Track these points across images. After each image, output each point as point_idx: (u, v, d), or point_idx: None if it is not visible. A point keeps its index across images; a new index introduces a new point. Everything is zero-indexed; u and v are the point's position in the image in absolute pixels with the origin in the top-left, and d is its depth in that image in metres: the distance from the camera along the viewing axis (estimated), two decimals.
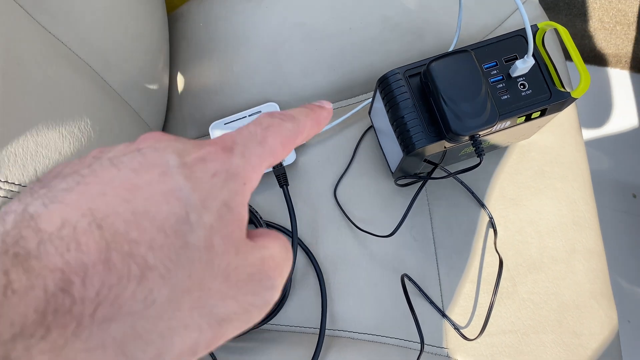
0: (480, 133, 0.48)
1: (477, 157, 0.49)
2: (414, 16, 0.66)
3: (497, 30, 0.68)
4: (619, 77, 1.05)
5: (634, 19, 0.96)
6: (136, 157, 0.19)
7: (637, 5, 0.94)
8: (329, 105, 0.27)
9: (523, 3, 0.68)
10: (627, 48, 1.01)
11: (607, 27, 0.98)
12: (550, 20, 1.00)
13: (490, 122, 0.47)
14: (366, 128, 0.64)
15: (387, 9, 0.66)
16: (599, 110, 1.08)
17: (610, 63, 1.04)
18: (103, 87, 0.53)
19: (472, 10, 0.67)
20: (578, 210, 0.62)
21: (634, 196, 1.09)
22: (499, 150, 0.63)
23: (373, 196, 0.62)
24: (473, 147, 0.49)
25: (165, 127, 0.68)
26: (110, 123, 0.52)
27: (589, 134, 1.08)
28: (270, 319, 0.59)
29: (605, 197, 1.08)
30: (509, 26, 0.68)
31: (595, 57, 1.03)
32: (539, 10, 0.68)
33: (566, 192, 0.62)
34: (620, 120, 1.08)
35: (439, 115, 0.49)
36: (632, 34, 0.98)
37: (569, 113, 0.65)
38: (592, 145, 1.10)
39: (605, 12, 0.96)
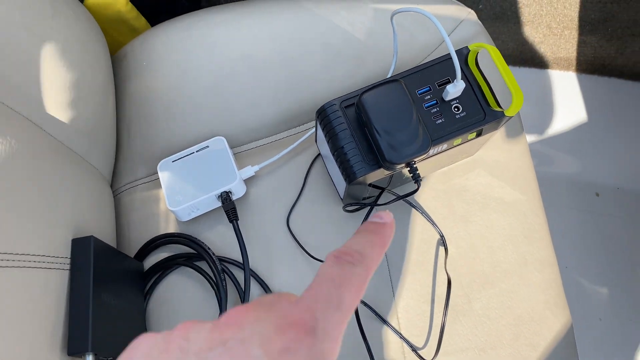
0: (415, 160, 0.49)
1: (415, 182, 0.50)
2: (355, 42, 0.67)
3: (440, 48, 0.69)
4: (572, 80, 1.07)
5: (580, 22, 0.98)
6: (223, 356, 0.19)
7: (583, 10, 0.96)
8: (389, 218, 0.26)
9: (461, 21, 0.69)
10: (577, 51, 1.02)
11: (555, 32, 1.00)
12: (500, 29, 1.02)
13: (423, 148, 0.48)
14: (315, 155, 0.64)
15: (328, 36, 0.67)
16: (557, 114, 1.10)
17: (562, 67, 1.05)
18: (42, 139, 0.53)
19: (412, 31, 0.68)
20: (528, 223, 0.63)
21: (597, 195, 1.10)
22: (446, 170, 0.64)
23: (326, 223, 0.62)
24: (410, 173, 0.50)
25: (115, 168, 0.68)
26: (50, 175, 0.52)
27: (550, 137, 1.10)
28: None
29: (569, 197, 1.10)
30: (452, 41, 0.69)
31: (547, 62, 1.05)
32: (478, 27, 0.69)
33: (515, 206, 0.63)
34: (579, 121, 1.10)
35: (374, 145, 0.49)
36: (580, 37, 1.00)
37: (513, 127, 0.66)
38: (554, 148, 1.12)
39: (552, 18, 0.98)
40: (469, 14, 0.69)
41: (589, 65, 1.04)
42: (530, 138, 1.09)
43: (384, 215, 0.26)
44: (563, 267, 1.06)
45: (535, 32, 1.00)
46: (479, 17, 0.98)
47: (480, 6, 0.97)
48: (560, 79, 1.07)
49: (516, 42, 1.02)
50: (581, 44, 1.01)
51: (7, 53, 0.49)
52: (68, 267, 0.51)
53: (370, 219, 0.26)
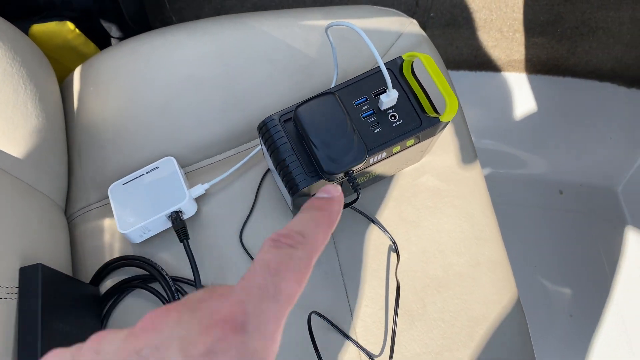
0: (353, 169, 0.50)
1: (355, 192, 0.51)
2: (300, 57, 0.68)
3: (384, 58, 0.70)
4: (528, 81, 1.09)
5: (529, 25, 1.00)
6: None
7: (531, 12, 0.98)
8: (337, 192, 0.24)
9: (403, 32, 0.70)
10: (530, 53, 1.05)
11: (507, 36, 1.02)
12: (453, 35, 1.04)
13: (359, 158, 0.49)
14: (265, 170, 0.65)
15: (273, 52, 0.68)
16: (516, 115, 1.12)
17: (517, 69, 1.08)
18: None
19: (356, 42, 0.69)
20: (478, 224, 0.64)
21: (561, 193, 1.12)
22: (394, 176, 0.65)
23: None
24: (349, 182, 0.50)
25: (68, 194, 0.68)
26: (3, 205, 0.52)
27: (510, 138, 1.12)
28: None
29: (534, 197, 1.11)
30: (395, 52, 0.70)
31: (502, 65, 1.07)
32: (420, 36, 0.71)
33: (464, 208, 0.64)
34: (537, 121, 1.12)
35: (312, 157, 0.50)
36: (531, 39, 1.02)
37: (459, 131, 0.68)
38: (515, 148, 1.13)
39: (503, 22, 1.00)
40: (411, 24, 0.71)
41: (542, 66, 1.07)
42: (490, 140, 1.11)
43: (331, 189, 0.24)
44: (532, 265, 1.07)
45: (487, 36, 1.03)
46: (431, 25, 1.00)
47: (432, 14, 0.99)
48: (516, 81, 1.09)
49: (470, 47, 1.04)
50: (533, 46, 1.03)
51: None
52: (16, 296, 0.51)
53: (317, 194, 0.24)
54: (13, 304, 0.50)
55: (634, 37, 1.00)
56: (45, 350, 0.49)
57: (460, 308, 0.61)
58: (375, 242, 0.63)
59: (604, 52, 1.03)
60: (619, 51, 1.03)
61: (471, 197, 0.65)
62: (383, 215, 0.63)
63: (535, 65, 1.07)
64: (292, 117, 0.53)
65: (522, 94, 1.10)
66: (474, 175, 0.66)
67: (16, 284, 0.52)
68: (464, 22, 1.00)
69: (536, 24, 1.00)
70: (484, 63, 1.07)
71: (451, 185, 0.65)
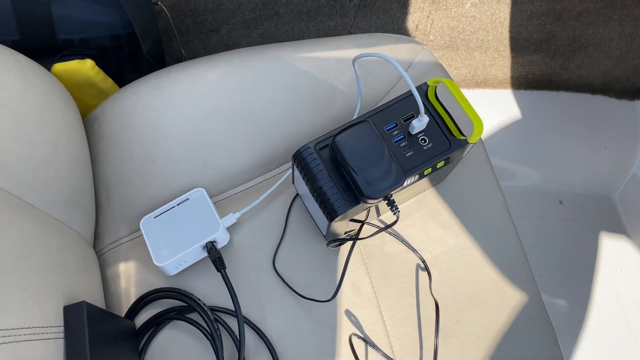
0: (391, 193, 0.52)
1: (394, 214, 0.53)
2: (319, 85, 0.70)
3: (400, 83, 0.73)
4: (524, 97, 1.13)
5: (524, 44, 1.04)
6: None
7: (525, 32, 1.03)
8: None
9: (417, 55, 0.73)
10: (525, 70, 1.09)
11: (503, 55, 1.06)
12: (452, 57, 1.08)
13: (398, 181, 0.51)
14: (293, 196, 0.66)
15: (294, 82, 0.70)
16: (514, 130, 1.16)
17: (513, 85, 1.12)
18: (26, 210, 0.53)
19: (372, 69, 0.71)
20: (501, 239, 0.66)
21: (560, 202, 1.16)
22: (419, 197, 0.67)
23: (311, 261, 0.64)
24: (388, 206, 0.52)
25: (96, 230, 0.68)
26: (37, 245, 0.52)
27: (509, 153, 1.15)
28: None
29: (535, 208, 1.14)
30: (410, 76, 0.73)
31: (499, 82, 1.11)
32: (432, 60, 0.74)
33: (487, 225, 0.67)
34: (535, 135, 1.16)
35: (351, 182, 0.52)
36: (526, 57, 1.07)
37: (477, 151, 0.70)
38: (515, 162, 1.17)
39: (499, 42, 1.04)
40: (423, 49, 0.74)
41: (537, 82, 1.11)
42: (490, 156, 1.14)
43: None
44: (538, 275, 1.10)
45: (484, 56, 1.06)
46: (431, 48, 1.04)
47: (431, 37, 1.02)
48: (512, 97, 1.13)
49: (468, 67, 1.08)
50: (528, 63, 1.08)
51: None
52: (62, 335, 0.52)
53: None
54: (60, 344, 0.51)
55: (622, 52, 1.05)
56: None
57: (491, 321, 0.63)
58: (404, 261, 0.64)
59: (594, 66, 1.08)
60: (609, 65, 1.08)
61: (493, 213, 0.67)
62: (410, 235, 0.65)
63: (531, 82, 1.11)
64: (327, 145, 0.55)
65: (519, 110, 1.14)
66: (493, 192, 0.69)
67: (62, 323, 0.52)
68: (461, 43, 1.04)
69: (530, 42, 1.04)
70: (482, 81, 1.11)
71: (472, 203, 0.67)
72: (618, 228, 1.14)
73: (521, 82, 1.11)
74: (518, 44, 1.05)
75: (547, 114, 1.14)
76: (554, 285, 1.09)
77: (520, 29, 1.02)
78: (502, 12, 0.99)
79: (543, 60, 1.07)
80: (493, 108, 1.14)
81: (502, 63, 1.07)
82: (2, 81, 0.53)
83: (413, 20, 0.98)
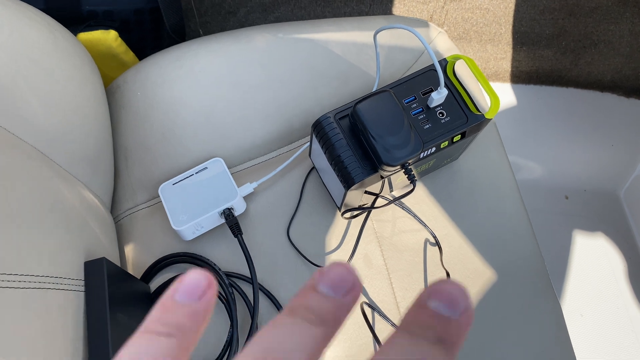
0: (409, 161, 0.53)
1: (410, 183, 0.54)
2: (337, 64, 0.72)
3: (415, 65, 0.74)
4: (534, 91, 1.14)
5: (536, 39, 1.06)
6: None
7: (538, 26, 1.04)
8: (202, 285, 0.19)
9: (434, 38, 0.75)
10: (536, 64, 1.10)
11: (515, 48, 1.08)
12: (464, 48, 1.09)
13: (416, 150, 0.52)
14: (309, 169, 0.68)
15: (312, 60, 0.71)
16: (523, 124, 1.17)
17: (524, 80, 1.13)
18: (50, 167, 0.55)
19: (389, 51, 0.73)
20: (511, 220, 0.68)
21: (566, 197, 1.17)
22: (432, 175, 0.68)
23: (324, 232, 0.65)
24: (405, 174, 0.54)
25: (114, 195, 0.69)
26: (60, 201, 0.53)
27: (518, 146, 1.17)
28: None
29: (541, 202, 1.16)
30: (425, 60, 0.74)
31: (509, 76, 1.13)
32: (449, 43, 0.75)
33: (498, 206, 0.68)
34: (543, 130, 1.17)
35: (370, 150, 0.53)
36: (537, 52, 1.08)
37: (490, 134, 0.72)
38: (523, 156, 1.18)
39: (511, 35, 1.05)
40: (440, 33, 0.75)
41: (547, 77, 1.12)
42: None
43: (197, 280, 0.19)
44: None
45: (496, 49, 1.08)
46: None
47: (445, 28, 1.04)
48: (522, 91, 1.14)
49: (480, 59, 1.10)
50: (539, 58, 1.09)
51: (16, 85, 0.51)
52: (82, 289, 0.53)
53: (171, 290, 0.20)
54: (80, 297, 0.52)
55: (632, 50, 1.06)
56: (113, 339, 0.51)
57: (499, 299, 0.64)
58: (416, 237, 0.66)
59: (604, 63, 1.09)
60: (619, 63, 1.09)
61: (504, 195, 0.69)
62: (422, 212, 0.66)
63: (541, 77, 1.12)
64: (347, 115, 0.56)
65: (528, 104, 1.15)
66: (505, 175, 0.70)
67: (82, 277, 0.53)
68: (474, 35, 1.05)
69: (542, 37, 1.05)
70: (493, 74, 1.12)
71: (484, 184, 0.69)
72: (623, 224, 1.15)
73: (531, 77, 1.13)
74: (530, 39, 1.06)
75: (555, 110, 1.15)
76: (557, 277, 1.10)
77: (532, 23, 1.03)
78: (515, 6, 1.00)
79: (554, 56, 1.08)
80: (503, 101, 1.15)
81: (513, 57, 1.09)
82: (34, 40, 0.54)
83: (428, 10, 0.99)
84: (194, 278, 0.19)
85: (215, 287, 0.20)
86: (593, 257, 1.12)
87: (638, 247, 1.13)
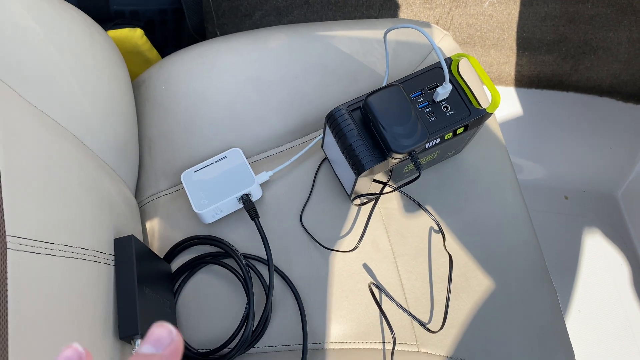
0: (416, 149, 0.58)
1: (417, 170, 0.58)
2: (347, 63, 0.76)
3: (422, 65, 0.79)
4: (535, 95, 1.19)
5: (537, 44, 1.11)
6: None
7: (539, 33, 1.09)
8: (169, 338, 0.23)
9: (440, 41, 0.80)
10: (537, 69, 1.15)
11: (517, 53, 1.12)
12: (469, 53, 1.14)
13: (422, 139, 0.57)
14: (321, 160, 0.72)
15: (324, 59, 0.76)
16: (524, 127, 1.22)
17: (525, 84, 1.18)
18: (85, 151, 0.60)
19: (398, 51, 0.78)
20: (511, 211, 0.72)
21: (566, 198, 1.21)
22: (436, 167, 0.73)
23: (335, 218, 0.70)
24: (412, 161, 0.58)
25: (138, 182, 0.74)
26: (93, 182, 0.58)
27: (519, 148, 1.21)
28: (256, 342, 0.65)
29: (541, 202, 1.20)
30: (431, 60, 0.79)
31: (511, 80, 1.17)
32: (454, 45, 0.80)
33: (498, 197, 0.72)
34: (544, 132, 1.22)
35: (380, 139, 0.58)
36: (539, 57, 1.13)
37: (491, 129, 0.76)
38: (524, 158, 1.23)
39: (513, 41, 1.10)
40: (446, 36, 0.80)
41: (548, 81, 1.17)
42: None
43: (162, 335, 0.23)
44: None
45: (499, 54, 1.13)
46: None
47: (450, 33, 1.09)
48: (524, 95, 1.19)
49: (483, 63, 1.15)
50: (540, 63, 1.14)
51: (63, 77, 0.56)
52: (113, 263, 0.57)
53: (141, 345, 0.23)
54: (110, 270, 0.57)
55: (630, 56, 1.11)
56: (141, 309, 0.56)
57: (499, 283, 0.68)
58: (420, 224, 0.70)
59: (603, 69, 1.14)
60: (617, 69, 1.13)
61: (504, 187, 0.73)
62: (427, 201, 0.71)
63: (542, 81, 1.17)
64: (358, 107, 0.61)
65: (529, 107, 1.20)
66: (505, 169, 0.74)
67: (112, 252, 0.58)
68: (478, 40, 1.10)
69: (543, 43, 1.10)
70: (495, 78, 1.17)
71: (485, 177, 0.73)
72: (620, 224, 1.19)
73: (533, 81, 1.17)
74: (532, 44, 1.11)
75: (556, 113, 1.20)
76: (556, 275, 1.14)
77: (534, 30, 1.08)
78: (518, 13, 1.05)
79: (555, 61, 1.13)
80: (504, 104, 1.20)
81: (516, 61, 1.14)
82: (74, 34, 0.59)
83: (434, 15, 1.04)
84: (158, 332, 0.23)
85: (180, 339, 0.23)
86: (591, 254, 1.17)
87: (635, 246, 1.17)
